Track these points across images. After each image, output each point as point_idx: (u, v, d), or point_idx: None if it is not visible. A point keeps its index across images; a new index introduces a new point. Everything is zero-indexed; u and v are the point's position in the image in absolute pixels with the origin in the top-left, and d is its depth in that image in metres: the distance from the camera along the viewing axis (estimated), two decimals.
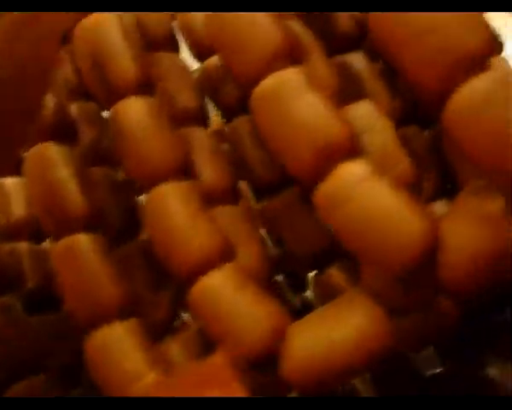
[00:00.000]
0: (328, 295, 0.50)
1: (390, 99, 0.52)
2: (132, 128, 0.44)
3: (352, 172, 0.37)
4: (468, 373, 0.57)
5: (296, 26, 0.48)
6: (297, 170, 0.39)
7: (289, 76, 0.40)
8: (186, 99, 0.52)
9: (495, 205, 0.37)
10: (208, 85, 0.58)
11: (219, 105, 0.57)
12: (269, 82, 0.40)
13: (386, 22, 0.38)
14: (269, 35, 0.41)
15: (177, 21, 0.61)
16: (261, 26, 0.41)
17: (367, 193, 0.37)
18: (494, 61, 0.41)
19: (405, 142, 0.53)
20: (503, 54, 0.89)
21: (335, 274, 0.50)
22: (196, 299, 0.42)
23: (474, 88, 0.35)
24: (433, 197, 0.52)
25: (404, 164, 0.44)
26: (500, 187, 0.37)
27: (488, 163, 0.36)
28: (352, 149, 0.38)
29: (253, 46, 0.41)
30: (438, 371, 0.59)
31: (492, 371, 0.60)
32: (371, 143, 0.44)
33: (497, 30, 0.87)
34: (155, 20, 0.56)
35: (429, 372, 0.59)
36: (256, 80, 0.41)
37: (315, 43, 0.48)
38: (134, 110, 0.45)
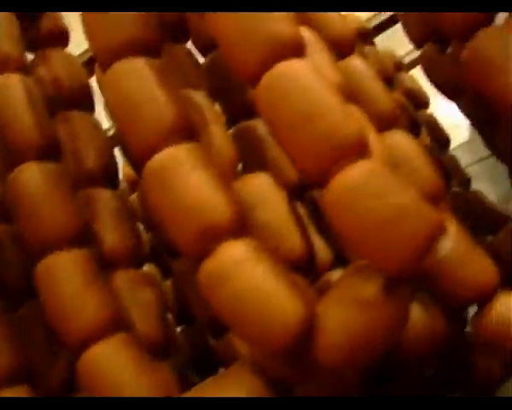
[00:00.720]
0: (228, 359, 0.51)
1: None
2: (28, 197, 0.44)
3: (232, 252, 0.38)
4: None
5: (198, 96, 0.49)
6: (182, 247, 0.39)
7: (179, 153, 0.40)
8: (94, 159, 0.52)
9: (373, 288, 0.38)
10: (121, 143, 0.58)
11: (131, 162, 0.58)
12: (158, 158, 0.40)
13: (271, 108, 0.39)
14: (163, 111, 0.41)
15: (95, 79, 0.61)
16: (156, 101, 0.41)
17: (245, 274, 0.37)
18: (376, 143, 0.43)
19: (312, 207, 0.54)
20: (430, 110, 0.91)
21: (235, 339, 0.51)
22: (83, 369, 0.42)
23: (346, 178, 0.36)
24: (335, 264, 0.53)
25: (293, 239, 0.45)
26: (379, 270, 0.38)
27: (360, 250, 0.37)
28: (236, 228, 0.39)
29: (146, 121, 0.41)
30: None
31: None
32: (263, 218, 0.44)
33: (424, 88, 0.89)
34: (72, 76, 0.57)
35: None
36: (149, 154, 0.41)
37: (216, 115, 0.49)
38: (31, 178, 0.45)
